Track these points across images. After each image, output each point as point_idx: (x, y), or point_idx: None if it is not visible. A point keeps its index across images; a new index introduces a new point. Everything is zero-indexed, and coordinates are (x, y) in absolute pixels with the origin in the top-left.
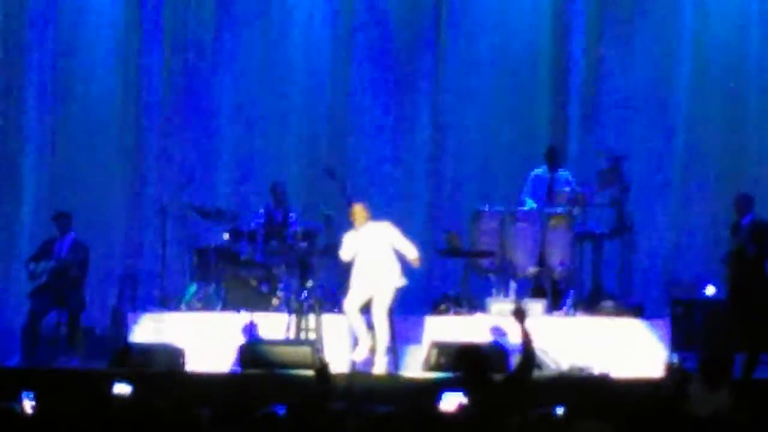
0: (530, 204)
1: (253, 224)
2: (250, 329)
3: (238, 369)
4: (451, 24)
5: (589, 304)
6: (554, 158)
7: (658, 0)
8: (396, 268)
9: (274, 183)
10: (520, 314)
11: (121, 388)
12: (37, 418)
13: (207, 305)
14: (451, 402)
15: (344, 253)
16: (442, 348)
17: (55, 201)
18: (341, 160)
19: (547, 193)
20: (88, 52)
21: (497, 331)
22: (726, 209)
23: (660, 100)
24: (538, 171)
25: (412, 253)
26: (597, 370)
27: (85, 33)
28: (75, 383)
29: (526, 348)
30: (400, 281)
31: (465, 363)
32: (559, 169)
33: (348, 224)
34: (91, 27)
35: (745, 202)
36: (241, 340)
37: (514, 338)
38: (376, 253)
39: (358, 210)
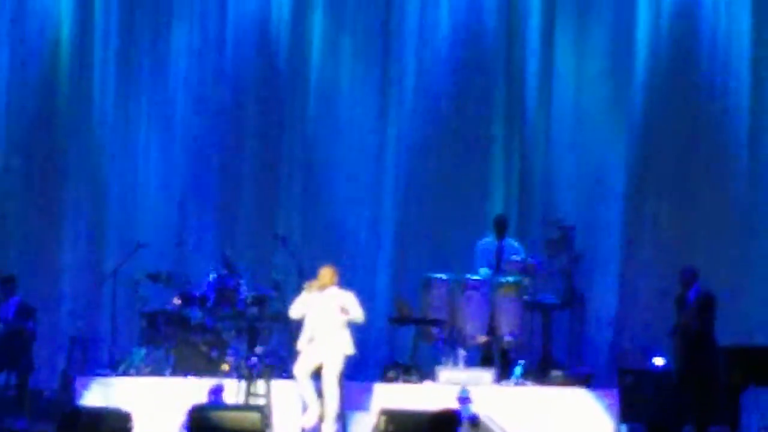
0: (483, 273)
1: (204, 289)
2: (214, 392)
3: None
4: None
5: (538, 373)
6: (502, 227)
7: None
8: (347, 335)
9: (224, 250)
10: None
11: None
12: None
13: (156, 370)
14: None
15: (294, 311)
16: (391, 415)
17: (2, 261)
18: (292, 225)
19: (496, 262)
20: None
21: (461, 399)
22: (670, 278)
23: (604, 167)
24: (487, 240)
25: (358, 315)
26: None
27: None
28: None
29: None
30: (349, 349)
31: (437, 428)
32: (507, 238)
33: (295, 291)
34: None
35: (689, 275)
36: (189, 404)
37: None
38: (330, 320)
39: (328, 273)
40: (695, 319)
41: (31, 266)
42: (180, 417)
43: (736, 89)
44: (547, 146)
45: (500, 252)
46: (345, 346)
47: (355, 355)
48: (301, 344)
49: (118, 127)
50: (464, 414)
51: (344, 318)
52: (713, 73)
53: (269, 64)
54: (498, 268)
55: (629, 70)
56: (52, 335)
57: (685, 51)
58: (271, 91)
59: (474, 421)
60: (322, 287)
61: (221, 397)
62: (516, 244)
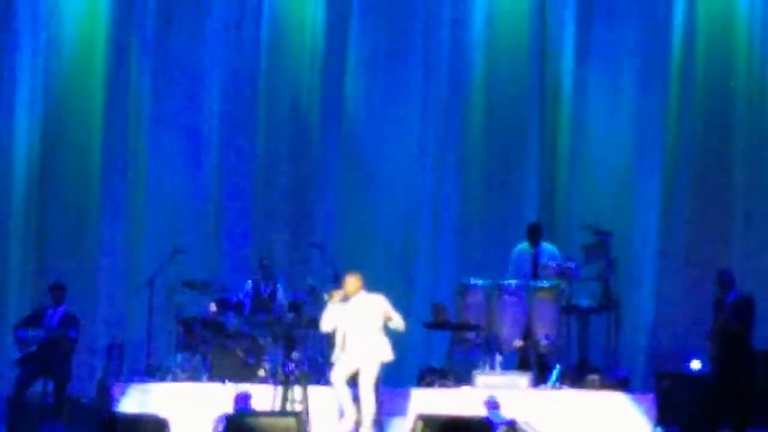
0: (516, 278)
1: (240, 296)
2: (241, 399)
3: None
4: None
5: (575, 377)
6: (535, 235)
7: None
8: (384, 341)
9: (262, 257)
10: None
11: None
12: None
13: (193, 376)
14: None
15: (325, 324)
16: (428, 420)
17: (41, 267)
18: (329, 233)
19: (532, 268)
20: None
21: (489, 403)
22: (706, 282)
23: (638, 172)
24: (522, 246)
25: (401, 325)
26: None
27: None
28: None
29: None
30: (387, 356)
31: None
32: (543, 243)
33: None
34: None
35: (727, 278)
36: (226, 410)
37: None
38: (366, 325)
39: (353, 280)
40: (733, 322)
41: (69, 274)
42: (215, 423)
43: None
44: (582, 151)
45: (536, 257)
46: (382, 351)
47: (391, 360)
48: (336, 355)
49: (154, 133)
50: (494, 420)
51: (380, 323)
52: (750, 75)
53: (305, 67)
54: (534, 274)
55: (664, 70)
56: (89, 342)
57: (719, 53)
58: (307, 96)
59: (511, 426)
60: (348, 296)
61: (249, 404)
62: (552, 248)
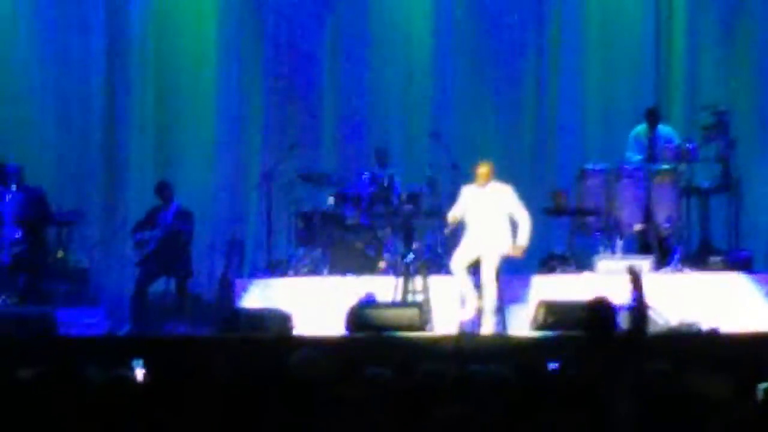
0: (635, 160)
1: (358, 188)
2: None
3: (347, 332)
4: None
5: (697, 259)
6: (654, 118)
7: None
8: (508, 234)
9: (378, 147)
10: (634, 275)
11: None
12: (148, 385)
13: (313, 270)
14: None
15: (455, 213)
16: (550, 307)
17: (158, 170)
18: (444, 123)
19: (649, 150)
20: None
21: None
22: None
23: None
24: (639, 129)
25: (524, 227)
26: (706, 325)
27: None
28: (184, 350)
29: (640, 308)
30: (509, 249)
31: (593, 317)
32: (660, 126)
33: (451, 187)
34: None
35: None
36: (348, 303)
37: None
38: (492, 214)
39: (487, 169)
40: None
41: (187, 172)
42: (339, 316)
43: None
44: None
45: (654, 139)
46: (506, 243)
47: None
48: (463, 241)
49: None
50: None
51: (505, 214)
52: None
53: None
54: (652, 156)
55: None
56: (209, 239)
57: None
58: None
59: (634, 309)
60: (484, 184)
61: (371, 296)
62: (670, 129)
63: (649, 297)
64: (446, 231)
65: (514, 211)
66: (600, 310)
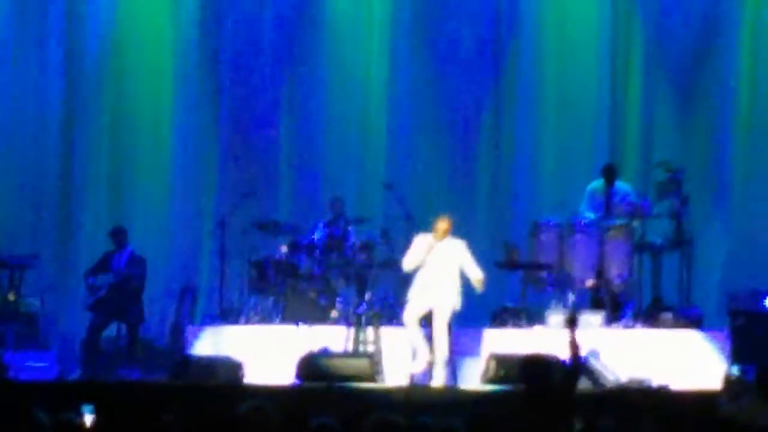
0: (589, 216)
1: (314, 237)
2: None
3: (297, 381)
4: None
5: (649, 315)
6: (611, 174)
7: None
8: (458, 288)
9: (334, 197)
10: (571, 323)
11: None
12: (97, 430)
13: (265, 318)
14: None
15: (408, 263)
16: (501, 360)
17: (114, 212)
18: (399, 172)
19: (605, 206)
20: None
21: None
22: None
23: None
24: (596, 184)
25: (478, 275)
26: (656, 382)
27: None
28: (134, 396)
29: (574, 358)
30: (458, 303)
31: (530, 372)
32: (617, 182)
33: (403, 238)
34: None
35: None
36: (299, 352)
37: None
38: (446, 269)
39: (447, 225)
40: None
41: (141, 218)
42: (291, 364)
43: None
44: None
45: (610, 196)
46: (456, 297)
47: (461, 303)
48: (412, 293)
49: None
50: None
51: (458, 269)
52: None
53: None
54: (607, 211)
55: None
56: (161, 286)
57: None
58: None
59: (583, 362)
60: (436, 239)
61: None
62: (628, 186)
63: (590, 349)
64: (402, 274)
65: (467, 267)
66: (535, 365)
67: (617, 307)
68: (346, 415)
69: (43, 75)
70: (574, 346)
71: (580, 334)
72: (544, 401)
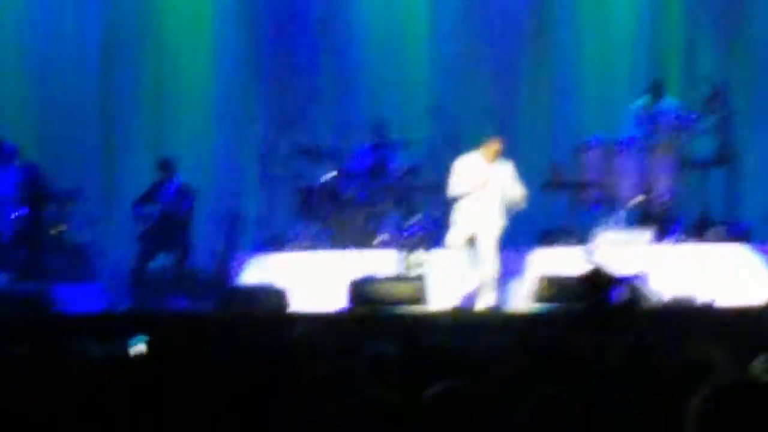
0: (635, 133)
1: (356, 162)
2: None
3: (348, 307)
4: None
5: (696, 231)
6: (659, 89)
7: None
8: (504, 209)
9: (376, 121)
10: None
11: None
12: (148, 360)
13: (313, 245)
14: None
15: (459, 188)
16: (552, 280)
17: (159, 143)
18: (444, 96)
19: (652, 122)
20: None
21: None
22: None
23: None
24: (641, 101)
25: (523, 191)
26: (700, 299)
27: None
28: (184, 325)
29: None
30: (503, 222)
31: (591, 287)
32: (664, 97)
33: (449, 159)
34: None
35: None
36: (348, 277)
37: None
38: (495, 191)
39: (496, 145)
40: None
41: (186, 147)
42: (340, 290)
43: None
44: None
45: (657, 112)
46: (501, 216)
47: (510, 221)
48: (458, 215)
49: None
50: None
51: (504, 190)
52: None
53: None
54: (654, 127)
55: None
56: (208, 215)
57: None
58: None
59: (632, 282)
60: (492, 161)
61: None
62: (673, 101)
63: (637, 270)
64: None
65: (514, 186)
66: (594, 281)
67: (665, 223)
68: (397, 340)
69: (85, 6)
70: (602, 276)
71: (606, 263)
72: (601, 318)
